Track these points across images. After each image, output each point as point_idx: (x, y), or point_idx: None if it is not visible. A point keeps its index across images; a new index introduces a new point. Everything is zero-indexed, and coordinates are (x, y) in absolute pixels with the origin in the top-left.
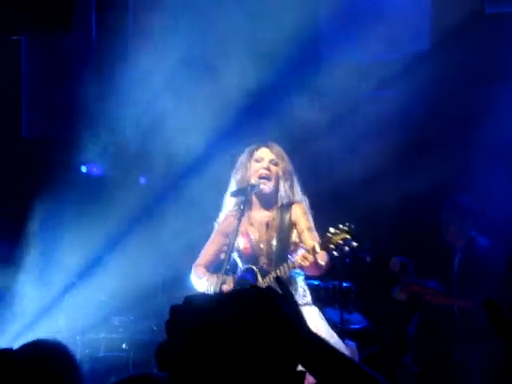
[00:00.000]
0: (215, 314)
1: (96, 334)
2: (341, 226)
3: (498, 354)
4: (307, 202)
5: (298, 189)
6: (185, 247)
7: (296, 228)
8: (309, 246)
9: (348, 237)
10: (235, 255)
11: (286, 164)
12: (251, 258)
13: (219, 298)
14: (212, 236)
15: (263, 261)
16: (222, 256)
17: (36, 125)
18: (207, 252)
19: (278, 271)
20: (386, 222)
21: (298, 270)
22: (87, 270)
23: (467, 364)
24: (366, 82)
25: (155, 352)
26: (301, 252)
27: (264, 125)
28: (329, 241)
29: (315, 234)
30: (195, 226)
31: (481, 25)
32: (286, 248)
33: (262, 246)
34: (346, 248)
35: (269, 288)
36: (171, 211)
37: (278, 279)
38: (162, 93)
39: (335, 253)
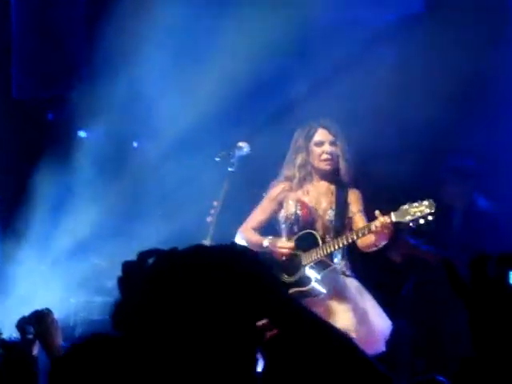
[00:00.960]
0: (173, 270)
1: (90, 297)
2: (419, 200)
3: None
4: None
5: (352, 165)
6: (178, 207)
7: (351, 208)
8: (383, 216)
9: (427, 210)
10: (287, 224)
11: (344, 142)
12: (309, 225)
13: (177, 253)
14: (262, 202)
15: (319, 228)
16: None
17: (26, 86)
18: (256, 217)
19: (344, 237)
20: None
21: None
22: (83, 234)
23: (462, 326)
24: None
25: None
26: (378, 220)
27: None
28: (407, 212)
29: (366, 219)
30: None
31: None
32: (342, 220)
33: (319, 212)
34: (422, 221)
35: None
36: (170, 181)
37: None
38: (156, 58)
39: (411, 224)
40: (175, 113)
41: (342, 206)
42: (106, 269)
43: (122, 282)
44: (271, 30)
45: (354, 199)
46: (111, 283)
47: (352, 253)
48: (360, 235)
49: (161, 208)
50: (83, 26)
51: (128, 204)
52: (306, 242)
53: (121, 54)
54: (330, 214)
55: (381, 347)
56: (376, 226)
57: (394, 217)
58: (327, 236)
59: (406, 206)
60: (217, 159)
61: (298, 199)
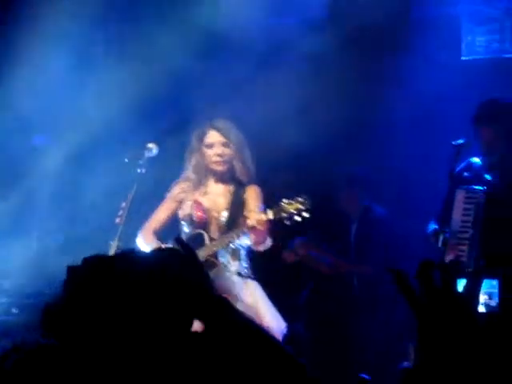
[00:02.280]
0: (116, 275)
1: None
2: (295, 197)
3: (394, 322)
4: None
5: (250, 163)
6: (83, 211)
7: (246, 207)
8: (262, 213)
9: (301, 207)
10: (184, 225)
11: (237, 142)
12: (202, 225)
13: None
14: (163, 202)
15: (213, 229)
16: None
17: None
18: (157, 217)
19: (225, 236)
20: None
21: (243, 243)
22: None
23: (364, 332)
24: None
25: (43, 313)
26: (251, 218)
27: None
28: (282, 209)
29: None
30: (95, 188)
31: None
32: (235, 221)
33: (214, 213)
34: (298, 218)
35: (174, 250)
36: (72, 175)
37: (178, 239)
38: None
39: (287, 221)
40: (82, 111)
41: (236, 206)
42: (2, 269)
43: (64, 285)
44: (179, 32)
45: (252, 196)
46: (7, 284)
47: (252, 254)
48: (239, 234)
49: (69, 209)
50: None
51: (31, 204)
52: (196, 243)
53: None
54: (224, 215)
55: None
56: (251, 224)
57: (270, 214)
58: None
59: (281, 203)
60: (126, 160)
61: (194, 200)
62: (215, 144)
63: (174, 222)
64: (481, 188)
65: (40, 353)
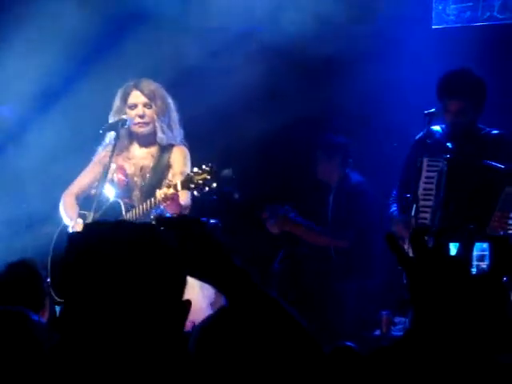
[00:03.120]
0: (116, 242)
1: None
2: (203, 166)
3: (369, 289)
4: (182, 133)
5: (177, 126)
6: (53, 180)
7: (172, 170)
8: (170, 183)
9: (208, 177)
10: (108, 189)
11: (160, 103)
12: (125, 190)
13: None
14: (88, 166)
15: (136, 194)
16: (93, 192)
17: None
18: (82, 180)
19: (140, 207)
20: (257, 158)
21: (162, 208)
22: None
23: (342, 299)
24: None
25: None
26: (160, 191)
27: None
28: (190, 180)
29: None
30: (65, 158)
31: None
32: (157, 185)
33: (136, 179)
34: (206, 188)
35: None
36: (37, 141)
37: (158, 219)
38: None
39: (195, 192)
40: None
41: (159, 170)
42: None
43: (65, 250)
44: None
45: (178, 159)
46: None
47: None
48: (151, 206)
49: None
50: None
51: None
52: (113, 212)
53: None
54: (146, 180)
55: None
56: (159, 198)
57: (179, 186)
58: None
59: (191, 174)
60: (100, 132)
61: (118, 165)
62: (138, 105)
63: None
64: (444, 156)
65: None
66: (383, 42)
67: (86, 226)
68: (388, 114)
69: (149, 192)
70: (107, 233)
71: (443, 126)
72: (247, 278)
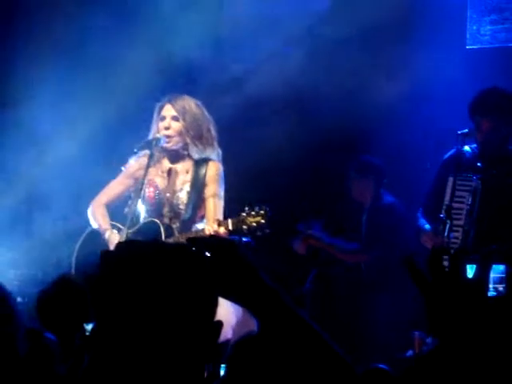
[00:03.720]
0: (149, 262)
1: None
2: (257, 208)
3: (402, 305)
4: (220, 155)
5: (210, 141)
6: (88, 197)
7: (206, 190)
8: (221, 222)
9: (262, 221)
10: (140, 205)
11: (190, 118)
12: (155, 206)
13: (158, 245)
14: (119, 177)
15: (166, 212)
16: (126, 210)
17: None
18: (111, 190)
19: (183, 236)
20: (289, 176)
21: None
22: None
23: (373, 315)
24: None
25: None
26: (209, 227)
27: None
28: (243, 221)
29: (221, 203)
30: (102, 177)
31: None
32: (197, 203)
33: (168, 195)
34: (259, 233)
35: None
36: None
37: (190, 239)
38: None
39: (247, 234)
40: None
41: (197, 189)
42: (9, 258)
43: (100, 269)
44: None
45: (213, 175)
46: (12, 273)
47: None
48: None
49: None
50: None
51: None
52: (150, 233)
53: None
54: (180, 197)
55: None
56: (208, 232)
57: (230, 225)
58: (175, 223)
59: (243, 214)
60: (135, 150)
61: (149, 179)
62: (166, 117)
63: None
64: (476, 175)
65: None
66: (417, 62)
67: (118, 244)
68: (421, 134)
69: (189, 211)
70: (140, 253)
71: (473, 146)
72: (278, 298)
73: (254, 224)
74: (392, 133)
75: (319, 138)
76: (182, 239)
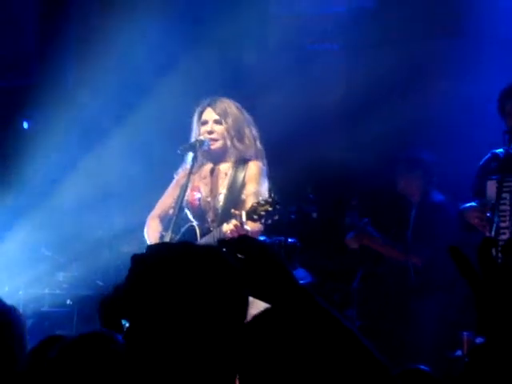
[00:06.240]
0: (180, 264)
1: (40, 289)
2: (266, 198)
3: (451, 305)
4: (263, 154)
5: (252, 141)
6: (134, 200)
7: (245, 190)
8: (236, 214)
9: (270, 209)
10: (187, 213)
11: (232, 121)
12: (199, 212)
13: (186, 248)
14: (169, 188)
15: (211, 216)
16: (171, 212)
17: None
18: (163, 203)
19: (215, 232)
20: (336, 175)
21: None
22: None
23: (421, 315)
24: (310, 36)
25: (101, 304)
26: (231, 223)
27: (213, 80)
28: (254, 211)
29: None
30: (147, 179)
31: None
32: (233, 205)
33: (209, 199)
34: (269, 221)
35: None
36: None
37: (220, 241)
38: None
39: (259, 223)
40: None
41: (236, 190)
42: (57, 261)
43: (131, 272)
44: None
45: (254, 174)
46: (61, 276)
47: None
48: (220, 235)
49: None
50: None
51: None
52: (189, 236)
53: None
54: (219, 200)
55: None
56: (224, 231)
57: (244, 216)
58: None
59: (254, 205)
60: (178, 152)
61: (193, 185)
62: (208, 121)
63: None
64: None
65: (83, 342)
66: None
67: (149, 247)
68: (469, 131)
69: (224, 213)
70: (169, 254)
71: (506, 147)
72: (311, 298)
73: (263, 213)
74: (443, 130)
75: (370, 135)
76: (213, 238)
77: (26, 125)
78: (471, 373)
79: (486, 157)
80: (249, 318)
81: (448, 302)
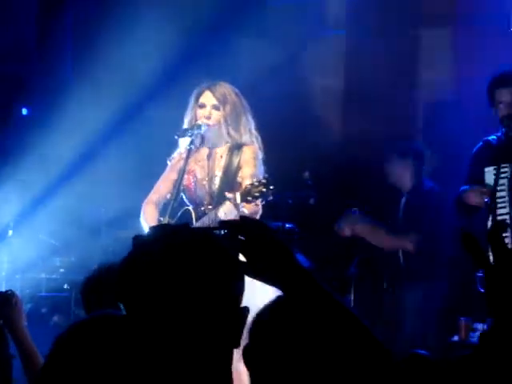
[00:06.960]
0: (181, 247)
1: (37, 273)
2: (260, 179)
3: (435, 295)
4: (259, 140)
5: (247, 128)
6: (130, 185)
7: (241, 172)
8: (232, 195)
9: (264, 190)
10: (183, 194)
11: (230, 108)
12: (195, 195)
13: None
14: (165, 172)
15: (207, 199)
16: (168, 196)
17: None
18: (159, 188)
19: (210, 215)
20: (330, 163)
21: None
22: (29, 209)
23: (406, 304)
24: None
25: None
26: (225, 205)
27: (211, 66)
28: (248, 193)
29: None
30: (142, 165)
31: None
32: (229, 188)
33: (205, 183)
34: (263, 202)
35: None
36: (118, 149)
37: (220, 222)
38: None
39: (253, 204)
40: None
41: (231, 174)
42: (54, 246)
43: (132, 254)
44: None
45: (249, 157)
46: (58, 261)
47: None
48: (216, 218)
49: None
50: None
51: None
52: (185, 220)
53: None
54: (215, 183)
55: None
56: (220, 216)
57: (238, 198)
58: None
59: (248, 186)
60: (176, 137)
61: (189, 169)
62: (206, 105)
63: None
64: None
65: (93, 324)
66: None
67: (152, 228)
68: (464, 120)
69: (220, 196)
70: (166, 237)
71: (498, 134)
72: (311, 279)
73: (257, 194)
74: (433, 118)
75: (365, 127)
76: (209, 220)
77: (25, 111)
78: (481, 356)
79: (478, 145)
80: (258, 305)
81: (438, 288)
